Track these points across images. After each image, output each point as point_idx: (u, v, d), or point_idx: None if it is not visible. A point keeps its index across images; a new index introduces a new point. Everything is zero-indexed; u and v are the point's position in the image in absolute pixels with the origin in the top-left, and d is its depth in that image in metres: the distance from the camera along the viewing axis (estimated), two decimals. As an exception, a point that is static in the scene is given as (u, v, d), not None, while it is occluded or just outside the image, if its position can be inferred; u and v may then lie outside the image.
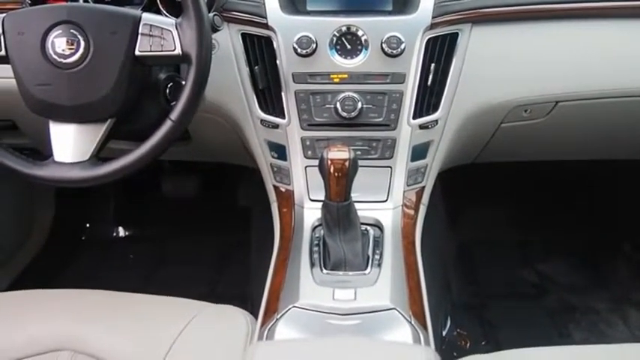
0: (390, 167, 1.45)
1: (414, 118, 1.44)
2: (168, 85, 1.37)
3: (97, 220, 2.67)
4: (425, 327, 1.16)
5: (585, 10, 1.47)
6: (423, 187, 1.51)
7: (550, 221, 2.53)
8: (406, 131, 1.44)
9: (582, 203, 2.55)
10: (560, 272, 2.37)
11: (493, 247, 2.46)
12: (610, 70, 1.51)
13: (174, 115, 1.20)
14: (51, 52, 1.18)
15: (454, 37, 1.44)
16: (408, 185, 1.47)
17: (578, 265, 2.40)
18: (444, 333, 1.95)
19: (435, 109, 1.45)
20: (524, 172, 2.29)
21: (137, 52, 1.19)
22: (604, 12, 1.48)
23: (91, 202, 2.62)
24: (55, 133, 1.26)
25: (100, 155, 1.27)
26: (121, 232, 2.66)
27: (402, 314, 1.13)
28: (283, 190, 1.50)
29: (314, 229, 1.39)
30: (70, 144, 1.25)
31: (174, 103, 1.24)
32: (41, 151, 1.80)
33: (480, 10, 1.44)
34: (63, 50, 1.18)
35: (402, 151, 1.45)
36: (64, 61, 1.19)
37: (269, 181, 1.53)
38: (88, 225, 2.66)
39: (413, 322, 1.13)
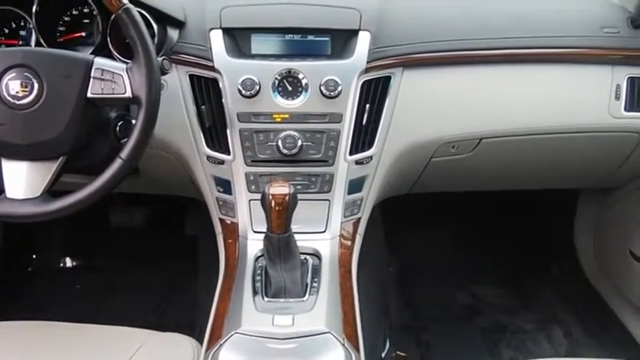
0: (328, 200, 1.56)
1: (351, 154, 1.55)
2: (119, 124, 1.44)
3: (44, 250, 2.67)
4: (357, 348, 1.26)
5: (504, 56, 1.63)
6: (359, 219, 1.61)
7: (484, 246, 2.68)
8: (343, 167, 1.55)
9: (514, 229, 2.70)
10: (493, 294, 2.52)
11: (431, 271, 2.58)
12: (528, 110, 1.67)
13: (124, 153, 1.27)
14: (5, 93, 1.24)
15: (387, 79, 1.57)
16: (345, 217, 1.57)
17: (510, 287, 2.55)
18: (383, 354, 2.05)
19: (370, 146, 1.57)
20: (460, 199, 2.43)
21: (89, 95, 1.26)
22: (520, 58, 1.64)
23: (38, 232, 2.63)
24: (8, 171, 1.30)
25: (53, 188, 1.33)
26: (69, 262, 2.67)
27: (336, 337, 1.22)
28: (228, 222, 1.58)
29: (257, 259, 1.47)
30: (22, 181, 1.30)
31: (124, 140, 1.31)
32: None
33: (410, 56, 1.58)
34: (17, 92, 1.24)
35: (339, 186, 1.55)
36: (18, 102, 1.24)
37: (215, 215, 1.61)
38: (34, 256, 2.66)
39: (346, 344, 1.22)
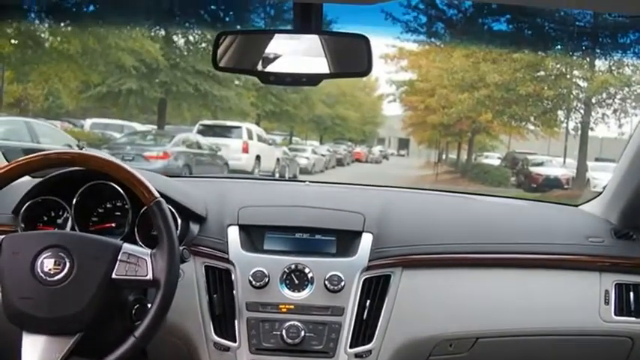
0: None
1: (351, 347, 1.62)
2: (135, 307, 1.53)
3: None
4: None
5: (495, 260, 1.78)
6: None
7: None
8: (343, 359, 1.61)
9: None
10: None
11: None
12: (520, 312, 1.76)
13: (138, 332, 1.36)
14: (39, 270, 1.37)
15: (387, 278, 1.69)
16: None
17: None
18: None
19: (370, 340, 1.64)
20: None
21: (114, 276, 1.39)
22: (511, 262, 1.78)
23: None
24: (27, 343, 1.38)
25: None
26: None
27: None
28: None
29: None
30: (37, 354, 1.36)
31: (138, 322, 1.40)
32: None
33: (409, 257, 1.72)
34: (49, 269, 1.37)
35: None
36: (49, 278, 1.36)
37: None
38: None
39: None
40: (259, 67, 1.46)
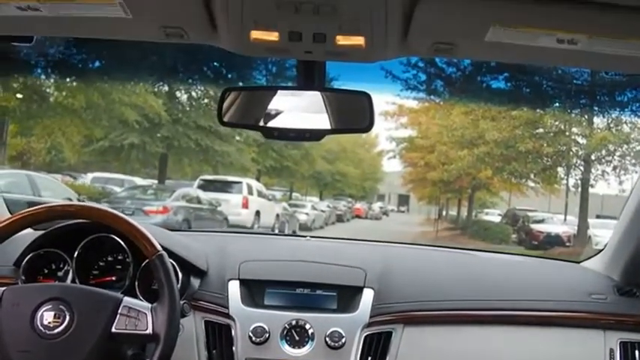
0: None
1: None
2: None
3: None
4: None
5: (498, 317, 1.75)
6: None
7: None
8: None
9: None
10: None
11: None
12: None
13: None
14: (38, 323, 1.35)
15: (388, 335, 1.67)
16: None
17: None
18: None
19: None
20: None
21: (113, 329, 1.37)
22: (513, 319, 1.76)
23: None
24: None
25: None
26: None
27: None
28: None
29: None
30: None
31: None
32: None
33: (411, 313, 1.70)
34: (49, 322, 1.35)
35: None
36: (48, 332, 1.35)
37: None
38: None
39: None
40: (263, 123, 1.48)
